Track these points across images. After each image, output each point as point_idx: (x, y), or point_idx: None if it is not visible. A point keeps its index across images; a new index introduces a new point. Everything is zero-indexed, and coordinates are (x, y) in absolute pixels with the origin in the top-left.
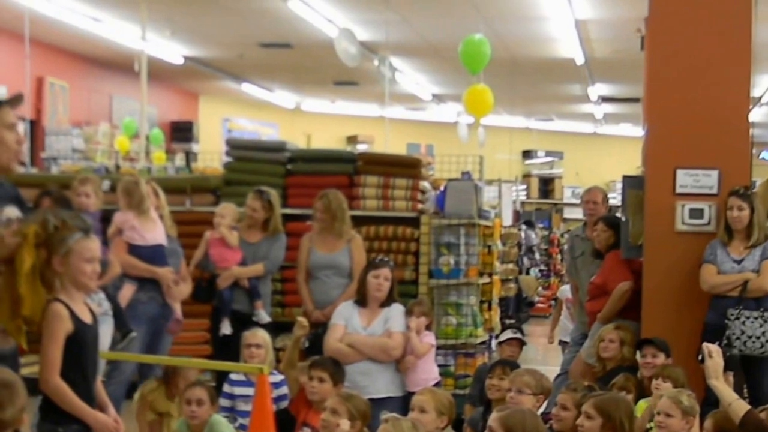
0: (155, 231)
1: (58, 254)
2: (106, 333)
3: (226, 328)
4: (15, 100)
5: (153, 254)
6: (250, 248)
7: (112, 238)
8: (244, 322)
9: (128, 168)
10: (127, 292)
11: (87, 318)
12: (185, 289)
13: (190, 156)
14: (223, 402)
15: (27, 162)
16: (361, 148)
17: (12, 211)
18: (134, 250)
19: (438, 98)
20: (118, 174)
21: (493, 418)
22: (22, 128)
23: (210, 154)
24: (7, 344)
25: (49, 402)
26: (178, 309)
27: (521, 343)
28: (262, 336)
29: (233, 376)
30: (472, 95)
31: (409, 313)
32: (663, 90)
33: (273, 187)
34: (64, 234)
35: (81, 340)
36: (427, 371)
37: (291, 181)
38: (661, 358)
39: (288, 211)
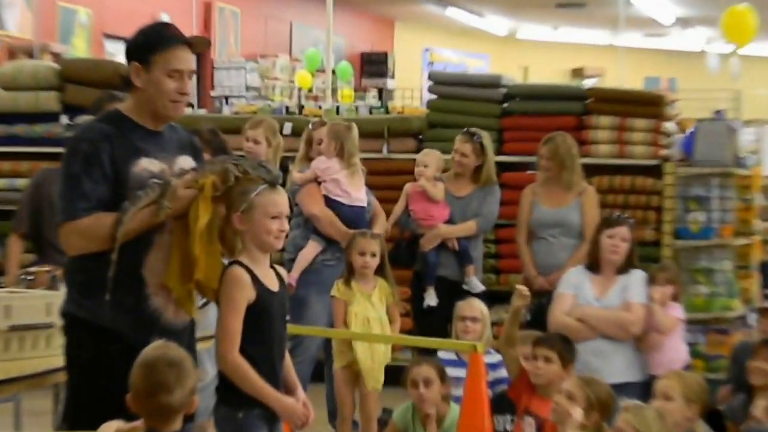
0: (361, 190)
1: (239, 209)
2: None
3: (431, 299)
4: (199, 44)
5: (356, 217)
6: (459, 202)
7: (303, 183)
8: (451, 290)
9: (312, 108)
10: (310, 251)
11: (273, 284)
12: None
13: (384, 93)
14: None
15: (194, 102)
16: (589, 82)
17: (186, 161)
18: (334, 206)
19: (682, 22)
20: (301, 115)
21: (760, 408)
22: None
23: (408, 91)
24: (180, 318)
25: (226, 382)
26: None
27: None
28: (478, 307)
29: (441, 355)
30: (732, 18)
31: (651, 281)
32: None
33: (486, 129)
34: (246, 186)
35: (265, 310)
36: (674, 351)
37: (507, 122)
38: None
39: (504, 158)
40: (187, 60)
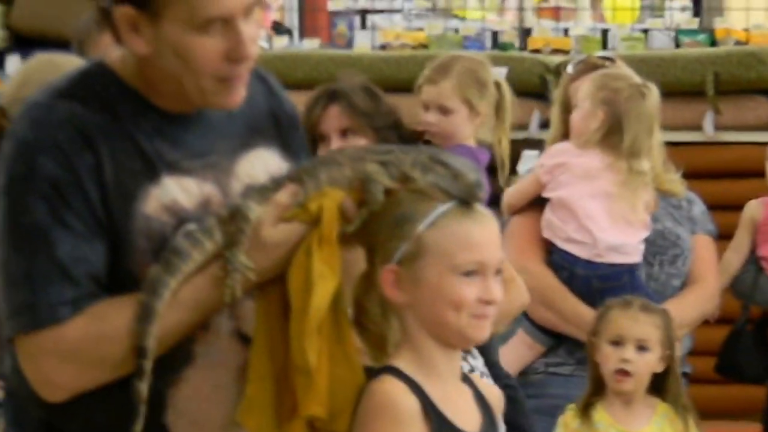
0: (637, 223)
1: (393, 257)
2: None
3: None
4: None
5: (612, 287)
6: None
7: (515, 209)
8: None
9: (551, 36)
10: (520, 351)
11: (466, 417)
12: None
13: (704, 4)
14: None
15: (294, 32)
16: None
17: (264, 160)
18: (562, 261)
19: None
20: (527, 50)
21: None
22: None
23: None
24: None
25: None
26: None
27: None
28: None
29: None
30: None
31: None
32: None
33: None
34: (408, 207)
35: None
36: None
37: None
38: None
39: None
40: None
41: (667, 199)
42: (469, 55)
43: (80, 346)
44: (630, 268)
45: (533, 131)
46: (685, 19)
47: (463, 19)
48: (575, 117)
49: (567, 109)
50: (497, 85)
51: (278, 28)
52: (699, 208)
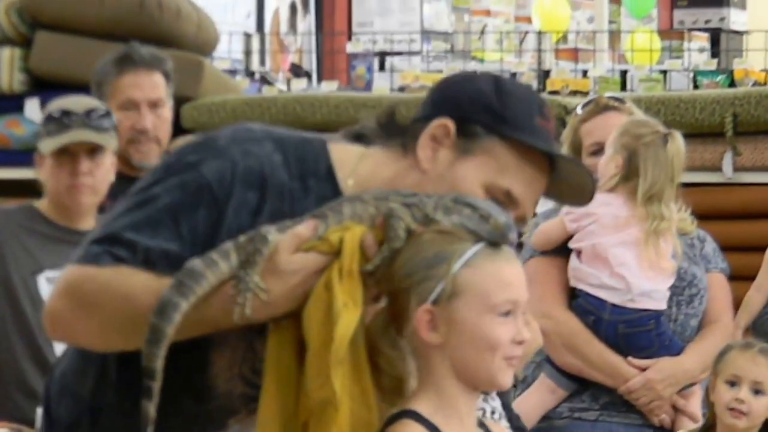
0: (666, 268)
1: (427, 297)
2: None
3: None
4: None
5: (643, 328)
6: None
7: (544, 246)
8: None
9: (570, 77)
10: (540, 397)
11: None
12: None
13: (723, 42)
14: None
15: (313, 75)
16: None
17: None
18: (588, 307)
19: None
20: (547, 91)
21: None
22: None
23: None
24: None
25: None
26: None
27: None
28: None
29: None
30: None
31: None
32: None
33: None
34: (442, 247)
35: None
36: None
37: None
38: None
39: None
40: (540, 182)
41: (681, 238)
42: None
43: (84, 287)
44: (656, 314)
45: None
46: (703, 60)
47: (481, 60)
48: (600, 162)
49: (576, 150)
50: None
51: (297, 71)
52: (710, 245)
